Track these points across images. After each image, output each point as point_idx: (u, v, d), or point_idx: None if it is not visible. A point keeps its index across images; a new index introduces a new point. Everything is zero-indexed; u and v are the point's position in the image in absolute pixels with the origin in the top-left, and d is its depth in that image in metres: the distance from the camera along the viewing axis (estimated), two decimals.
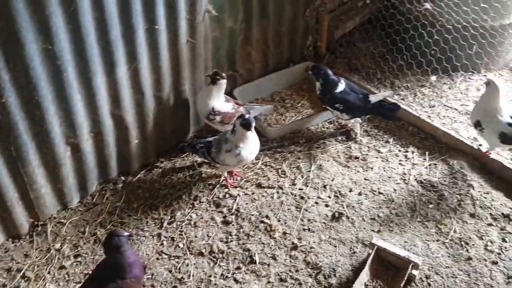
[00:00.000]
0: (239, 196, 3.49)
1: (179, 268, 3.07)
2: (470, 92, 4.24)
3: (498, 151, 3.62)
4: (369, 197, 3.46)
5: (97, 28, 2.88)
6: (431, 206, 3.37)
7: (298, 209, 3.38)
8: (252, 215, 3.35)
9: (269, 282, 2.97)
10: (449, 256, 3.07)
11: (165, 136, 3.76)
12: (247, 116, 3.19)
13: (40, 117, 2.89)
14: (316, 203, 3.43)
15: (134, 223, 3.33)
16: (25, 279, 3.03)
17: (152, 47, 3.26)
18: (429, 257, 3.06)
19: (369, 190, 3.51)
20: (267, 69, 4.38)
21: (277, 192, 3.50)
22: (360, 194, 3.49)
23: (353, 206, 3.40)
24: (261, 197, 3.48)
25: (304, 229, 3.25)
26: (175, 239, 3.24)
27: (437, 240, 3.17)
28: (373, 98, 3.72)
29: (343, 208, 3.38)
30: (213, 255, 3.13)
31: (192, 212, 3.39)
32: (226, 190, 3.53)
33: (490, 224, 3.25)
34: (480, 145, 3.68)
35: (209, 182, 3.60)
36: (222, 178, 3.58)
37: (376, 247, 2.95)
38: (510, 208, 3.33)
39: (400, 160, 3.74)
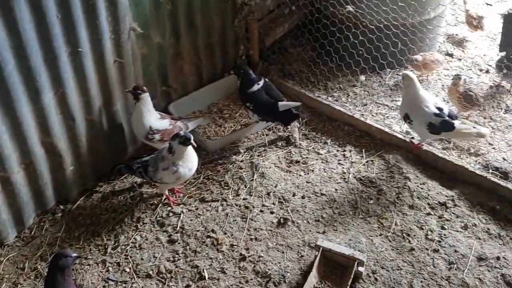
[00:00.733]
0: (183, 213, 3.44)
1: None
2: (399, 88, 4.40)
3: (429, 142, 3.78)
4: (312, 199, 3.52)
5: (15, 55, 2.79)
6: (371, 201, 3.47)
7: (243, 220, 3.38)
8: (198, 230, 3.32)
9: None
10: (392, 249, 3.17)
11: (102, 159, 3.67)
12: (182, 132, 3.19)
13: None
14: (261, 211, 3.44)
15: (77, 252, 3.21)
16: None
17: (78, 70, 3.19)
18: (374, 252, 3.14)
19: (311, 193, 3.56)
20: (201, 81, 4.36)
21: (222, 205, 3.49)
22: (303, 197, 3.53)
23: (297, 210, 3.43)
24: (206, 211, 3.45)
25: (251, 239, 3.26)
26: (120, 263, 3.15)
27: (380, 235, 3.26)
28: (281, 105, 3.80)
29: (288, 213, 3.41)
30: (161, 275, 3.07)
31: (136, 234, 3.32)
32: (169, 208, 3.48)
33: (428, 214, 3.38)
34: (413, 138, 3.82)
35: (151, 202, 3.53)
36: (164, 196, 3.52)
37: (321, 248, 2.99)
38: (446, 196, 3.47)
39: (339, 160, 3.83)
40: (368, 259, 3.07)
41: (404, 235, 3.24)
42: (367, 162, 3.77)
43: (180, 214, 3.44)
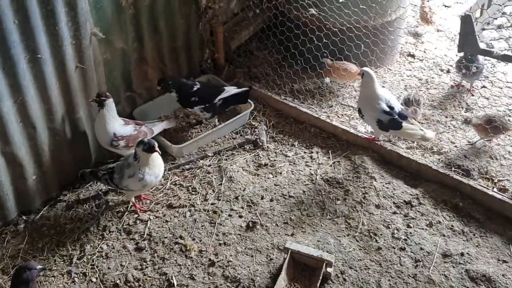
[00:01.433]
0: (150, 220, 3.40)
1: None
2: None
3: (384, 138, 3.87)
4: (281, 202, 3.53)
5: None
6: (339, 202, 3.50)
7: (212, 225, 3.36)
8: (166, 237, 3.28)
9: None
10: (360, 249, 3.20)
11: (66, 167, 3.58)
12: (146, 139, 3.15)
13: None
14: (230, 215, 3.43)
15: (41, 263, 3.12)
16: None
17: (38, 77, 3.11)
18: (342, 252, 3.16)
19: (280, 195, 3.57)
20: None
21: (189, 211, 3.46)
22: (271, 200, 3.54)
23: (266, 213, 3.44)
24: (173, 217, 3.42)
25: (220, 244, 3.24)
26: (87, 274, 3.09)
27: (348, 235, 3.29)
28: (228, 88, 4.06)
29: (257, 216, 3.41)
30: (128, 284, 3.02)
31: (103, 243, 3.25)
32: (136, 215, 3.43)
33: (394, 213, 3.43)
34: (372, 132, 3.90)
35: (117, 210, 3.47)
36: (131, 204, 3.47)
37: (290, 251, 3.00)
38: (411, 194, 3.54)
39: (307, 162, 3.85)
40: (337, 259, 3.09)
41: (371, 234, 3.29)
42: (333, 163, 3.81)
43: (147, 221, 3.39)
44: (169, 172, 3.75)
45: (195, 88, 3.96)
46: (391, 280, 3.03)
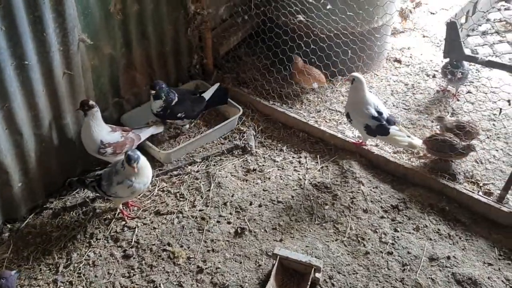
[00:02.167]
0: (138, 227, 3.38)
1: None
2: None
3: (372, 143, 3.90)
4: (269, 207, 3.53)
5: None
6: (327, 207, 3.51)
7: (200, 231, 3.35)
8: (154, 244, 3.26)
9: None
10: (348, 254, 3.22)
11: (52, 174, 3.56)
12: (130, 152, 3.11)
13: None
14: (218, 222, 3.42)
15: (26, 273, 3.11)
16: None
17: (25, 83, 3.09)
18: (330, 257, 3.18)
19: (268, 201, 3.58)
20: None
21: (177, 217, 3.45)
22: (260, 206, 3.54)
23: (254, 219, 3.44)
24: (161, 224, 3.40)
25: (208, 251, 3.23)
26: (73, 282, 3.06)
27: (336, 240, 3.30)
28: (207, 93, 4.10)
29: (245, 222, 3.41)
30: None
31: (90, 251, 3.23)
32: (124, 222, 3.41)
33: (382, 217, 3.45)
34: (359, 137, 3.92)
35: (105, 217, 3.45)
36: (118, 211, 3.45)
37: (278, 256, 3.00)
38: (398, 199, 3.57)
39: (295, 167, 3.87)
40: (325, 264, 3.10)
41: (359, 239, 3.30)
42: (322, 168, 3.83)
43: (135, 228, 3.37)
44: (157, 178, 3.74)
45: (176, 100, 3.91)
46: (379, 284, 3.05)
